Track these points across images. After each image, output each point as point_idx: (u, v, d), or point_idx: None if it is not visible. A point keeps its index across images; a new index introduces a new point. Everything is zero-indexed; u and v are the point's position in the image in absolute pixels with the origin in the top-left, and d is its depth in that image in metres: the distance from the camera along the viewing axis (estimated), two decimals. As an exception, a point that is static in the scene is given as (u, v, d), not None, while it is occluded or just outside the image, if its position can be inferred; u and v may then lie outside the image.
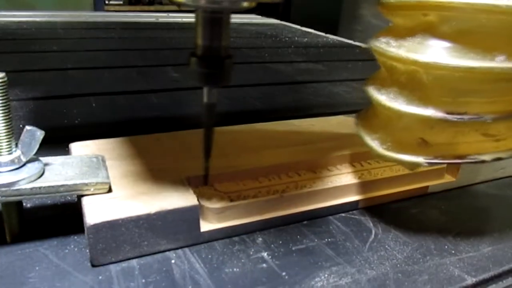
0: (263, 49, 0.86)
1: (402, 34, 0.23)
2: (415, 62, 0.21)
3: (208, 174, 0.25)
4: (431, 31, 0.22)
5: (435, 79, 0.22)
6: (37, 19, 1.00)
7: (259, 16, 1.36)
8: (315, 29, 1.11)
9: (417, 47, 0.22)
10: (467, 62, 0.21)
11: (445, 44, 0.21)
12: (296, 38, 1.00)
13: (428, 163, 0.23)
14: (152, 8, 2.16)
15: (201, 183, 0.26)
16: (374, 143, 0.25)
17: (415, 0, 0.22)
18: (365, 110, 0.27)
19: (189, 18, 1.26)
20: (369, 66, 0.78)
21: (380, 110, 0.25)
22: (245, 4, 0.21)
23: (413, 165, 0.24)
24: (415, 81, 0.22)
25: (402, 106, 0.23)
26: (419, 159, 0.23)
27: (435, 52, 0.21)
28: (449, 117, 0.22)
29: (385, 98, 0.23)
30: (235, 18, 1.29)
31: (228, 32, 0.22)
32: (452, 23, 0.21)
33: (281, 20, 1.31)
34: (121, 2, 2.17)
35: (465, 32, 0.21)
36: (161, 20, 1.16)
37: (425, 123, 0.23)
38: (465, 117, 0.22)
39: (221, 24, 0.22)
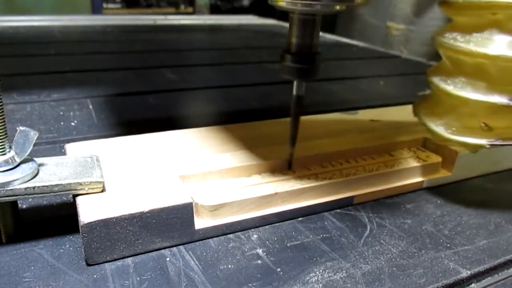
0: (261, 49, 0.86)
1: (468, 30, 0.25)
2: (484, 55, 0.24)
3: (292, 160, 0.28)
4: (498, 27, 0.24)
5: (501, 70, 0.25)
6: (35, 23, 1.00)
7: (257, 17, 1.36)
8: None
9: (485, 42, 0.24)
10: None
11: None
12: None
13: (491, 145, 0.26)
14: (150, 11, 2.16)
15: (197, 180, 0.26)
16: (439, 129, 0.28)
17: (486, 1, 0.24)
18: (423, 100, 0.31)
19: (186, 20, 1.27)
20: (366, 64, 0.78)
21: (444, 99, 0.28)
22: (337, 7, 0.23)
23: (476, 147, 0.27)
24: (482, 72, 0.25)
25: (470, 94, 0.26)
26: (482, 141, 0.26)
27: (503, 46, 0.24)
28: None
29: (452, 88, 0.26)
30: (233, 20, 1.29)
31: (318, 31, 0.25)
32: None
33: (278, 20, 1.31)
34: (119, 6, 2.18)
35: None
36: (158, 22, 1.16)
37: (490, 109, 0.26)
38: None
39: (313, 25, 0.24)
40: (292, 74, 0.25)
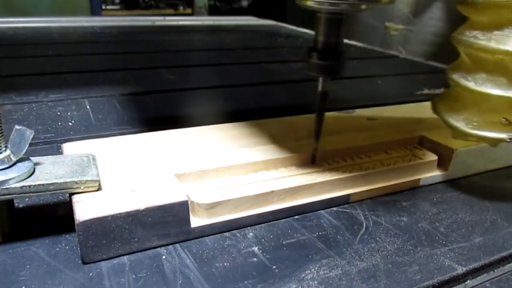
0: (259, 49, 0.86)
1: (488, 28, 0.26)
2: (505, 52, 0.25)
3: (316, 155, 0.29)
4: None
5: None
6: (34, 25, 1.01)
7: (255, 18, 1.36)
8: (311, 30, 1.11)
9: (506, 39, 0.25)
10: None
11: None
12: (291, 39, 1.00)
13: (511, 138, 0.27)
14: (149, 12, 2.16)
15: (193, 179, 0.26)
16: (459, 124, 0.29)
17: (506, 0, 0.25)
18: (442, 97, 0.31)
19: (185, 21, 1.27)
20: (364, 64, 0.78)
21: (465, 95, 0.28)
22: (363, 6, 0.24)
23: (496, 141, 0.28)
24: (503, 68, 0.26)
25: (490, 90, 0.27)
26: (503, 135, 0.27)
27: None
28: None
29: (473, 84, 0.27)
30: (232, 21, 1.29)
31: (344, 30, 0.26)
32: None
33: (277, 21, 1.31)
34: (118, 7, 2.18)
35: None
36: (157, 23, 1.17)
37: (510, 103, 0.26)
38: None
39: (340, 24, 0.25)
40: (318, 71, 0.26)
